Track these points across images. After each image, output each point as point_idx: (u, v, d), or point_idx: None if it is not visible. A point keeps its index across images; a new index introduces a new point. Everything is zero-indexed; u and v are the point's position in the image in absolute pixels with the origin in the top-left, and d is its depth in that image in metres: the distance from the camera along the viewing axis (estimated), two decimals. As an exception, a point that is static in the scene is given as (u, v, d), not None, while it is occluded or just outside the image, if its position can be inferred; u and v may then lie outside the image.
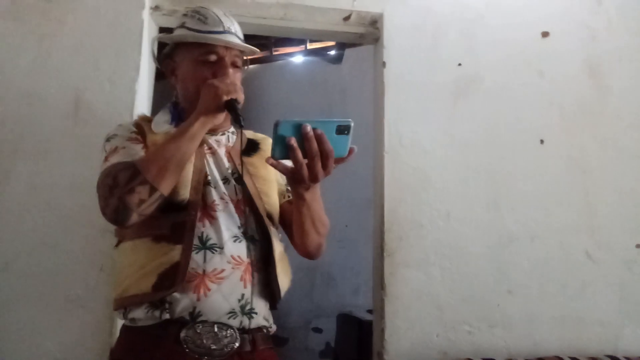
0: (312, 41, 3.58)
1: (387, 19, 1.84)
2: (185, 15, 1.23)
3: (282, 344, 3.51)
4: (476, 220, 1.76)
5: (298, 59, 4.01)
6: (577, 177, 1.85)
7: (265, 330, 1.15)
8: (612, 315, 1.77)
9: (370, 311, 1.89)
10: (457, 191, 1.77)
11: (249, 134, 1.31)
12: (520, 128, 1.85)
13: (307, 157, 0.93)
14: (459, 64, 1.85)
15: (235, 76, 1.18)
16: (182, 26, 1.22)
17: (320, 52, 3.88)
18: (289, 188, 1.22)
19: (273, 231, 1.19)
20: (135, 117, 1.61)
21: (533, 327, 1.72)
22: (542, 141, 1.86)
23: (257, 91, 3.63)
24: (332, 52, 3.87)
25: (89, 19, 1.69)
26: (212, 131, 1.20)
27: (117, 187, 1.01)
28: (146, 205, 1.02)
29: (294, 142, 0.90)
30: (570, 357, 1.60)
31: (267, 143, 1.29)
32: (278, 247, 1.18)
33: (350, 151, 0.95)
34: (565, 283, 1.77)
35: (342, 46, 3.75)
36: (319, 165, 0.93)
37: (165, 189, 1.04)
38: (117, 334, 1.42)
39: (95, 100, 1.64)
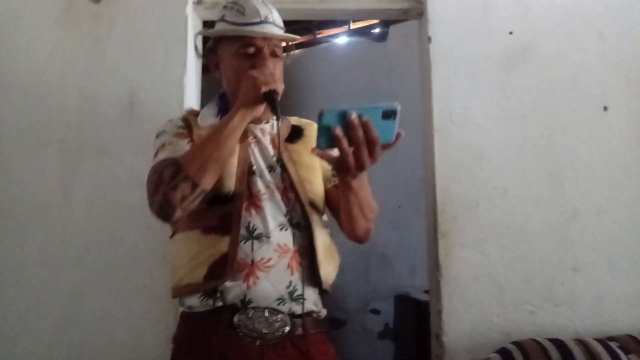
0: (355, 21, 3.52)
1: (431, -9, 1.77)
2: (225, 7, 1.24)
3: (340, 326, 3.55)
4: (536, 196, 1.69)
5: (342, 40, 3.95)
6: (647, 145, 1.72)
7: (315, 315, 1.17)
8: (689, 291, 1.65)
9: (427, 292, 1.86)
10: (514, 167, 1.70)
11: (293, 120, 1.32)
12: (580, 96, 1.74)
13: (353, 145, 0.91)
14: (511, 33, 1.76)
15: (275, 66, 1.18)
16: (222, 19, 1.22)
17: (364, 32, 3.80)
18: (334, 173, 1.21)
19: (315, 219, 1.19)
20: (184, 111, 1.68)
21: (602, 305, 1.63)
22: (605, 108, 1.73)
23: (302, 75, 3.63)
24: (377, 31, 3.78)
25: (137, 19, 1.75)
26: (257, 120, 1.20)
27: (161, 184, 1.04)
28: (189, 200, 1.04)
29: (339, 131, 0.89)
30: (644, 335, 1.51)
31: (311, 129, 1.28)
32: (320, 235, 1.18)
33: (398, 136, 0.92)
34: (637, 258, 1.66)
35: (386, 24, 3.65)
36: (365, 153, 0.92)
37: (207, 184, 1.06)
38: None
39: (148, 98, 1.71)
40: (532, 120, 1.72)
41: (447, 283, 1.64)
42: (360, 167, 0.94)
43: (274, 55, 1.19)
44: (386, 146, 0.93)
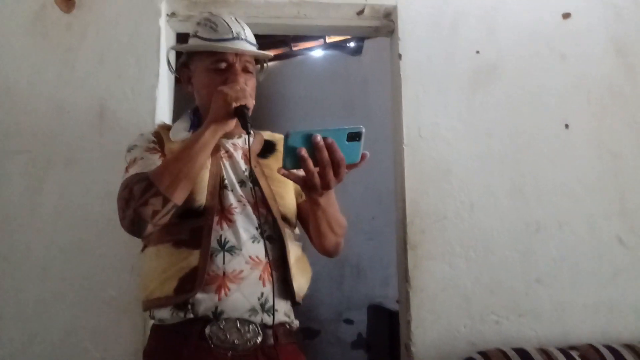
0: (330, 36, 3.57)
1: (401, 10, 1.82)
2: (198, 24, 1.26)
3: (313, 336, 3.55)
4: (501, 210, 1.74)
5: (318, 53, 4.00)
6: (606, 161, 1.80)
7: (287, 326, 1.17)
8: (647, 302, 1.72)
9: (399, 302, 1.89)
10: (481, 181, 1.75)
11: (266, 134, 1.33)
12: (543, 113, 1.81)
13: (319, 166, 0.94)
14: (477, 52, 1.82)
15: (247, 82, 1.19)
16: (195, 35, 1.24)
17: (339, 45, 3.86)
18: None
19: (287, 232, 1.20)
20: (156, 123, 1.67)
21: (564, 315, 1.68)
22: (567, 126, 1.81)
23: (278, 87, 3.65)
24: (352, 44, 3.84)
25: (109, 30, 1.74)
26: (229, 135, 1.22)
27: (132, 199, 1.05)
28: (160, 215, 1.05)
29: (304, 152, 0.92)
30: (604, 345, 1.56)
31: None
32: (293, 248, 1.20)
33: (363, 157, 0.96)
34: (597, 270, 1.73)
35: (361, 38, 3.72)
36: (330, 173, 0.95)
37: (178, 199, 1.07)
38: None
39: (119, 109, 1.70)
40: (497, 136, 1.78)
41: (415, 294, 1.67)
42: (326, 186, 0.97)
43: (246, 71, 1.21)
44: (351, 166, 0.96)
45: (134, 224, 1.06)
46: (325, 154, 0.92)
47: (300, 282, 1.19)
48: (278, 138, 1.34)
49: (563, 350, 1.52)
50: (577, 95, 1.84)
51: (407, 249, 1.69)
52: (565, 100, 1.83)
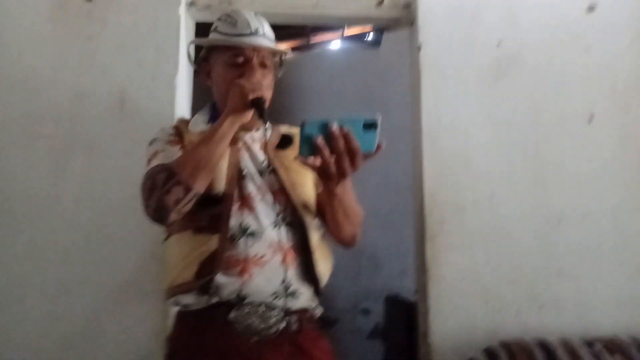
0: (349, 27, 3.54)
1: (421, 1, 1.80)
2: (219, 19, 1.28)
3: (331, 325, 3.55)
4: (522, 202, 1.71)
5: (336, 46, 3.98)
6: (631, 152, 1.76)
7: (310, 313, 1.19)
8: (671, 296, 1.68)
9: (417, 292, 1.88)
10: (501, 173, 1.73)
11: (283, 128, 1.35)
12: (566, 105, 1.78)
13: (335, 154, 0.95)
14: (499, 43, 1.79)
15: (264, 76, 1.22)
16: (215, 30, 1.27)
17: (357, 38, 3.83)
18: None
19: (309, 219, 1.22)
20: (176, 111, 1.69)
21: (586, 308, 1.66)
22: (591, 118, 1.77)
23: (296, 79, 3.64)
24: (370, 37, 3.81)
25: (130, 18, 1.76)
26: (247, 128, 1.25)
27: (155, 188, 1.08)
28: (183, 203, 1.08)
29: (320, 140, 0.93)
30: (628, 336, 1.52)
31: None
32: (315, 234, 1.21)
33: (379, 147, 0.97)
34: (620, 263, 1.70)
35: (379, 30, 3.68)
36: (346, 162, 0.96)
37: (199, 187, 1.09)
38: (170, 316, 1.52)
39: (139, 97, 1.71)
40: (518, 128, 1.75)
41: (434, 285, 1.65)
42: (342, 174, 0.99)
43: (263, 66, 1.23)
44: (367, 156, 0.97)
45: (157, 212, 1.09)
46: (342, 142, 0.94)
47: (323, 267, 1.20)
48: (295, 132, 1.33)
49: (586, 341, 1.48)
50: (601, 87, 1.80)
51: (425, 239, 1.68)
52: (589, 92, 1.79)
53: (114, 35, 1.75)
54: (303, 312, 1.16)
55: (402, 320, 3.10)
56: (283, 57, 1.34)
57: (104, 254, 1.62)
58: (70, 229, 1.63)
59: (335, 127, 0.92)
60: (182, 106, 1.77)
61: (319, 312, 1.22)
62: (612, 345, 1.47)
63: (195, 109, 1.93)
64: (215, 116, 1.27)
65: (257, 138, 1.28)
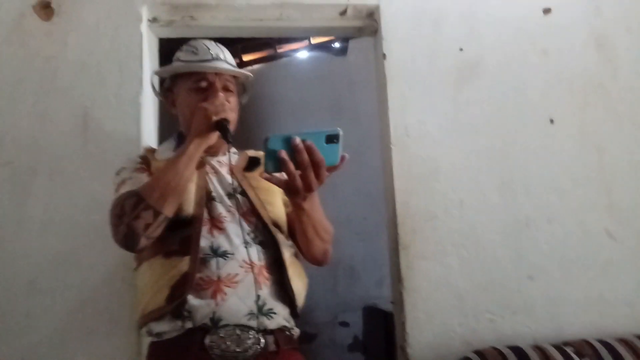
0: (314, 37, 3.56)
1: (383, 9, 1.81)
2: (180, 50, 1.32)
3: (310, 339, 3.54)
4: (490, 206, 1.74)
5: (303, 55, 3.99)
6: (592, 154, 1.80)
7: (287, 332, 1.17)
8: (638, 294, 1.72)
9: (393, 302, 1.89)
10: (469, 178, 1.75)
11: (250, 152, 1.37)
12: (528, 108, 1.81)
13: (300, 168, 0.96)
14: (461, 49, 1.82)
15: (228, 99, 1.24)
16: (177, 60, 1.31)
17: (324, 46, 3.86)
18: None
19: (280, 237, 1.22)
20: (141, 130, 1.67)
21: (557, 311, 1.69)
22: (552, 120, 1.82)
23: (264, 90, 3.63)
24: (337, 45, 3.84)
25: (90, 37, 1.72)
26: (213, 153, 1.27)
27: (124, 215, 1.08)
28: (152, 228, 1.08)
29: (284, 154, 0.93)
30: (597, 340, 1.56)
31: None
32: (287, 252, 1.22)
33: (342, 159, 0.98)
34: (587, 264, 1.73)
35: (345, 38, 3.72)
36: (311, 175, 0.97)
37: (168, 211, 1.09)
38: (144, 346, 1.48)
39: (103, 117, 1.67)
40: (483, 132, 1.78)
41: (409, 294, 1.66)
42: (308, 188, 0.99)
43: (226, 89, 1.27)
44: (332, 168, 0.98)
45: (127, 238, 1.09)
46: (305, 155, 0.94)
47: (298, 285, 1.20)
48: (262, 155, 1.35)
49: (557, 347, 1.51)
50: (560, 90, 1.84)
51: (399, 249, 1.69)
52: (548, 95, 1.84)
53: (75, 54, 1.71)
54: (280, 331, 1.14)
55: (381, 330, 3.11)
56: (246, 82, 1.37)
57: (72, 281, 1.56)
58: (35, 255, 1.57)
59: (298, 140, 0.93)
60: (148, 124, 1.74)
61: (296, 332, 1.21)
62: (583, 350, 1.50)
63: (161, 128, 1.91)
64: (181, 144, 1.26)
65: (224, 162, 1.30)
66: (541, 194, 1.76)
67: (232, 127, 1.20)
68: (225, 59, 1.29)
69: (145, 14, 1.76)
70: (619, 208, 1.77)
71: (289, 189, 1.01)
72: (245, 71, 1.34)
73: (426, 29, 1.83)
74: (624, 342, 1.53)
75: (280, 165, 0.94)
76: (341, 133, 0.95)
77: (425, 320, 1.64)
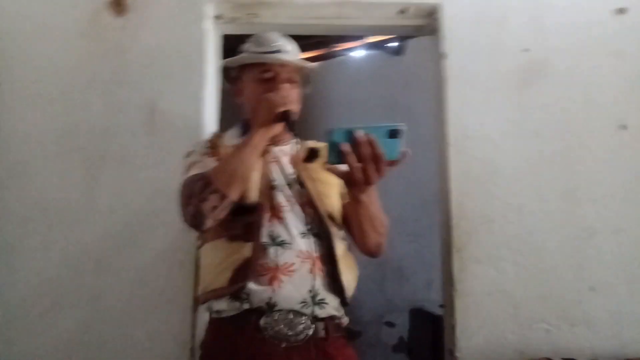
0: (372, 36, 3.54)
1: (445, 8, 1.78)
2: (247, 41, 1.36)
3: (354, 337, 3.53)
4: (551, 214, 1.67)
5: (359, 54, 3.98)
6: (666, 163, 1.69)
7: (337, 321, 1.22)
8: None
9: (442, 306, 1.85)
10: (530, 183, 1.69)
11: (310, 143, 1.40)
12: (597, 113, 1.73)
13: (361, 161, 0.98)
14: (526, 50, 1.76)
15: (291, 90, 1.28)
16: (244, 51, 1.34)
17: (380, 45, 3.82)
18: None
19: (334, 231, 1.26)
20: (202, 124, 1.73)
21: (619, 325, 1.60)
22: (624, 126, 1.72)
23: (319, 88, 3.64)
24: (393, 44, 3.80)
25: (159, 32, 1.80)
26: (276, 142, 1.31)
27: (193, 196, 1.15)
28: (218, 210, 1.14)
29: (347, 147, 0.96)
30: (663, 358, 1.47)
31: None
32: (340, 245, 1.25)
33: (404, 154, 0.99)
34: (656, 278, 1.63)
35: (403, 37, 3.67)
36: (372, 168, 1.00)
37: (233, 195, 1.15)
38: (198, 324, 1.55)
39: (168, 109, 1.75)
40: (547, 136, 1.72)
41: (461, 298, 1.63)
42: (368, 181, 1.02)
43: (290, 81, 1.30)
44: (392, 163, 1.00)
45: (194, 219, 1.16)
46: (368, 148, 0.98)
47: (348, 277, 1.24)
48: (322, 146, 1.38)
49: (619, 362, 1.44)
50: (633, 95, 1.74)
51: (452, 251, 1.66)
52: (621, 100, 1.74)
53: (145, 48, 1.79)
54: (330, 319, 1.20)
55: (427, 333, 3.06)
56: (310, 73, 1.39)
57: (134, 263, 1.65)
58: (102, 238, 1.68)
59: (360, 133, 0.96)
60: (209, 118, 1.80)
61: (345, 321, 1.25)
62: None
63: (222, 121, 1.97)
64: (247, 132, 1.32)
65: (286, 151, 1.34)
66: (608, 204, 1.67)
67: (295, 117, 1.24)
68: (290, 50, 1.32)
69: (210, 11, 1.82)
70: (693, 221, 1.66)
71: (349, 180, 1.04)
72: (309, 63, 1.36)
73: (489, 28, 1.78)
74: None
75: (342, 157, 0.97)
76: (404, 128, 0.97)
77: (477, 325, 1.61)
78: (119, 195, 1.70)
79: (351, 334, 1.28)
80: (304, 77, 1.38)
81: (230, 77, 1.39)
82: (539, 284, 1.63)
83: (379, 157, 0.98)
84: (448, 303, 1.68)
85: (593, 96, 1.74)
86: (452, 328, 1.62)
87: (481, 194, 1.68)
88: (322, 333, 1.17)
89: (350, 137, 0.96)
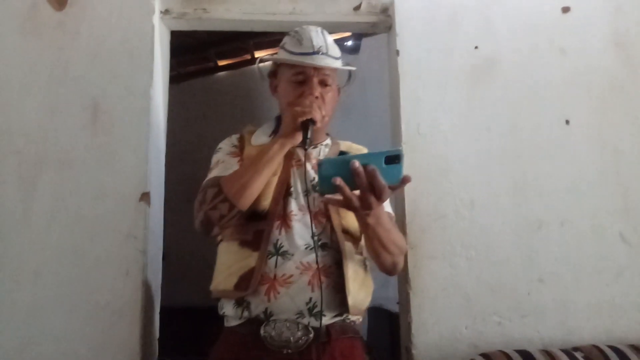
0: (327, 33, 3.54)
1: (398, 5, 1.79)
2: (288, 35, 1.34)
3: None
4: (502, 208, 1.70)
5: (316, 52, 3.97)
6: (608, 157, 1.76)
7: (340, 323, 1.20)
8: (652, 300, 1.68)
9: (399, 303, 1.86)
10: (481, 178, 1.72)
11: (343, 145, 1.40)
12: (543, 109, 1.78)
13: (359, 190, 0.96)
14: (476, 47, 1.79)
15: (324, 95, 1.26)
16: (282, 47, 1.32)
17: (337, 44, 3.83)
18: None
19: (348, 245, 1.23)
20: (151, 123, 1.65)
21: (567, 315, 1.65)
22: (567, 121, 1.78)
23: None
24: (349, 43, 3.81)
25: (102, 28, 1.72)
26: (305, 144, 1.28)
27: (204, 202, 1.17)
28: (226, 219, 1.16)
29: (339, 182, 0.94)
30: (608, 346, 1.53)
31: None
32: (351, 260, 1.23)
33: (404, 180, 0.97)
34: (600, 268, 1.69)
35: (359, 36, 3.69)
36: (371, 197, 0.97)
37: (242, 205, 1.16)
38: (148, 338, 1.48)
39: (113, 108, 1.67)
40: (497, 132, 1.75)
41: (416, 295, 1.63)
42: (367, 207, 1.00)
43: (324, 84, 1.27)
44: (393, 187, 0.97)
45: (203, 225, 1.19)
46: (364, 179, 0.95)
47: (357, 294, 1.21)
48: (355, 149, 1.39)
49: (567, 352, 1.48)
50: (577, 90, 1.81)
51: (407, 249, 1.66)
52: (565, 95, 1.80)
53: (87, 45, 1.71)
54: (331, 325, 1.19)
55: (386, 331, 3.08)
56: (351, 73, 1.39)
57: (76, 274, 1.56)
58: (41, 247, 1.57)
59: (357, 164, 0.94)
60: (158, 117, 1.73)
61: (356, 319, 1.25)
62: (593, 356, 1.47)
63: (170, 120, 1.90)
64: (279, 128, 1.34)
65: (313, 155, 1.33)
66: (554, 196, 1.72)
67: (326, 119, 1.25)
68: (327, 51, 1.28)
69: (157, 5, 1.76)
70: (634, 212, 1.73)
71: (347, 208, 1.03)
72: (347, 66, 1.34)
73: (441, 25, 1.80)
74: (635, 348, 1.50)
75: (335, 189, 0.95)
76: (402, 153, 0.94)
77: (432, 322, 1.62)
78: (58, 201, 1.60)
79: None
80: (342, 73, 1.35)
81: (268, 72, 1.38)
82: (491, 277, 1.65)
83: (381, 189, 0.95)
84: (404, 300, 1.68)
85: (539, 92, 1.79)
86: (408, 325, 1.62)
87: (434, 190, 1.70)
88: (323, 338, 1.17)
89: (345, 167, 0.93)
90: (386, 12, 1.84)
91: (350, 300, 1.18)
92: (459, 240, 1.67)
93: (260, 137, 1.34)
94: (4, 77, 1.68)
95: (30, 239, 1.58)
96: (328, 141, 1.38)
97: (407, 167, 1.66)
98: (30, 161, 1.63)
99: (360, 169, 0.94)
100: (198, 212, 1.18)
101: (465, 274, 1.65)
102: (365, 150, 1.35)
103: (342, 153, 1.29)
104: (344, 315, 1.21)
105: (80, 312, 1.54)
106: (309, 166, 1.27)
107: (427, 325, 1.61)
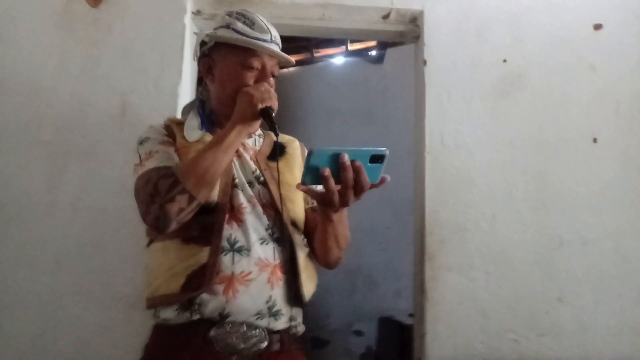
0: (352, 42, 3.56)
1: (427, 15, 1.80)
2: (229, 16, 1.21)
3: (322, 346, 3.50)
4: (523, 223, 1.69)
5: (339, 60, 3.99)
6: (634, 176, 1.74)
7: (293, 331, 1.15)
8: (674, 326, 1.64)
9: (412, 315, 1.84)
10: (503, 193, 1.70)
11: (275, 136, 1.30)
12: (570, 126, 1.76)
13: (342, 185, 0.94)
14: (504, 61, 1.78)
15: (273, 86, 1.18)
16: (227, 27, 1.19)
17: (361, 53, 3.85)
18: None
19: (297, 237, 1.18)
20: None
21: (586, 337, 1.62)
22: (595, 140, 1.76)
23: (298, 93, 3.65)
24: (373, 52, 3.83)
25: (134, 26, 1.75)
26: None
27: (157, 195, 1.03)
28: (185, 213, 1.04)
29: (328, 172, 0.92)
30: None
31: (293, 147, 1.30)
32: (302, 253, 1.18)
33: (382, 180, 0.96)
34: (621, 290, 1.66)
35: (383, 46, 3.70)
36: (351, 193, 0.95)
37: (202, 197, 1.06)
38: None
39: (140, 104, 1.69)
40: (521, 147, 1.74)
41: (431, 306, 1.62)
42: (344, 204, 0.98)
43: (272, 75, 1.20)
44: (370, 186, 0.96)
45: (158, 220, 1.04)
46: (351, 174, 0.92)
47: (309, 287, 1.18)
48: (287, 140, 1.32)
49: (584, 373, 1.45)
50: (605, 109, 1.79)
51: (424, 259, 1.65)
52: (593, 113, 1.78)
53: (118, 42, 1.74)
54: (285, 331, 1.12)
55: (396, 342, 3.05)
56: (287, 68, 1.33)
57: (96, 265, 1.58)
58: (63, 236, 1.60)
59: (346, 158, 0.91)
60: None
61: (302, 330, 1.18)
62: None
63: (182, 116, 1.91)
64: (208, 120, 1.22)
65: (249, 146, 1.24)
66: (578, 214, 1.70)
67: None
68: (278, 42, 1.21)
69: (189, 6, 1.78)
70: (659, 235, 1.70)
71: (324, 201, 0.99)
72: (290, 58, 1.24)
73: (469, 37, 1.80)
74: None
75: (319, 180, 0.93)
76: (387, 154, 0.93)
77: (447, 335, 1.60)
78: (83, 193, 1.63)
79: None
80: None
81: (201, 50, 1.23)
82: (508, 293, 1.63)
83: (363, 186, 0.93)
84: (418, 311, 1.67)
85: (567, 109, 1.77)
86: (422, 336, 1.61)
87: (456, 202, 1.69)
88: (276, 346, 1.09)
89: (333, 159, 0.92)
90: (415, 22, 1.84)
91: (305, 293, 1.14)
92: (478, 253, 1.66)
93: (192, 131, 1.20)
94: (38, 68, 1.72)
95: (54, 229, 1.60)
96: (260, 131, 1.29)
97: (430, 178, 1.69)
98: (58, 152, 1.66)
99: (349, 163, 0.91)
100: (149, 206, 1.04)
101: (482, 288, 1.63)
102: (296, 143, 1.31)
103: (276, 146, 1.21)
104: (292, 323, 1.14)
105: (97, 302, 1.56)
106: (247, 155, 1.20)
107: (441, 338, 1.59)
